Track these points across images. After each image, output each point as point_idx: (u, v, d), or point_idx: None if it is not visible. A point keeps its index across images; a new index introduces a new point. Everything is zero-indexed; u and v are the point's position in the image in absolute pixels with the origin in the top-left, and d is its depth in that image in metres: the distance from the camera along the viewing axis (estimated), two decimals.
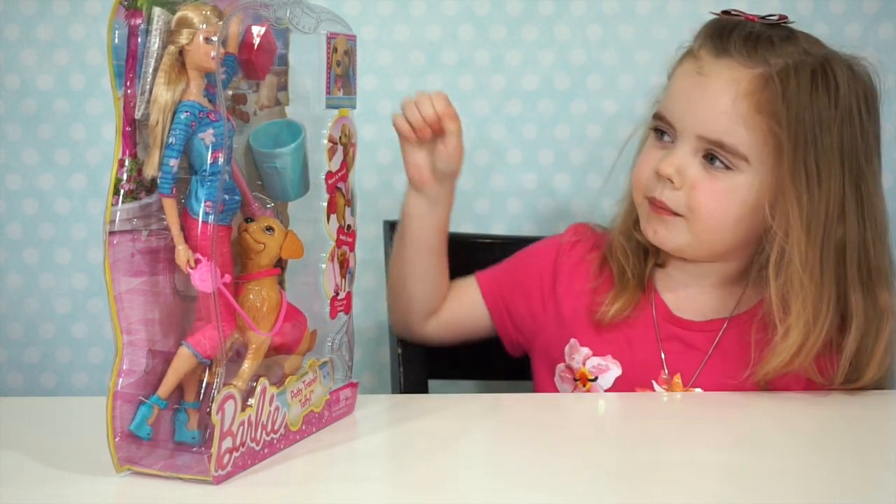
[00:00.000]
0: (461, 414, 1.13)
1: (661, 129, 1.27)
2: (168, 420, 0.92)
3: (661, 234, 1.26)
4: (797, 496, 0.91)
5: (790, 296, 1.19)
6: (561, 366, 1.32)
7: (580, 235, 1.37)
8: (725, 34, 1.24)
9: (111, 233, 0.89)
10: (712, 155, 1.22)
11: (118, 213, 0.89)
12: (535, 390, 1.37)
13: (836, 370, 1.21)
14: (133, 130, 0.90)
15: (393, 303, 1.41)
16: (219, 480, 0.89)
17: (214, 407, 0.88)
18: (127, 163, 0.90)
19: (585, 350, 1.30)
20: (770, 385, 1.23)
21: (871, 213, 1.22)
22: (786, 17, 1.27)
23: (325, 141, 1.02)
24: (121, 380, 0.90)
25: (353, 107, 1.06)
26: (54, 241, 1.62)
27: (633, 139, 1.35)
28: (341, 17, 1.05)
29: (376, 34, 1.61)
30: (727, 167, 1.22)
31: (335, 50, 1.02)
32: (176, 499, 0.87)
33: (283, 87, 1.03)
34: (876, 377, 1.23)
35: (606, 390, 1.28)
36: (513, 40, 1.62)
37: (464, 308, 1.39)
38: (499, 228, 1.64)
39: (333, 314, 1.04)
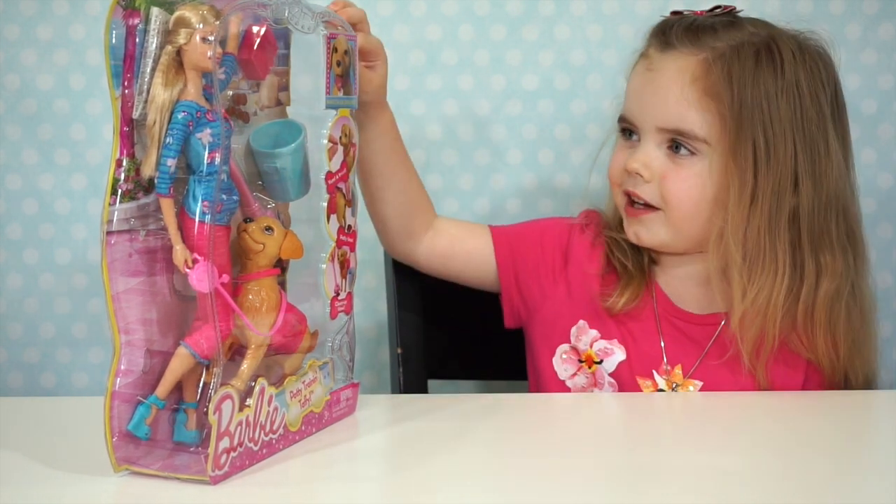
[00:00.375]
0: (461, 414, 1.13)
1: (626, 129, 1.31)
2: (167, 420, 0.92)
3: (643, 234, 1.29)
4: (797, 497, 0.91)
5: (729, 269, 1.24)
6: (564, 346, 1.33)
7: (591, 220, 1.39)
8: (668, 29, 1.28)
9: (109, 233, 0.89)
10: (676, 143, 1.26)
11: (116, 213, 0.89)
12: (528, 369, 1.37)
13: (815, 341, 1.25)
14: (131, 130, 0.90)
15: (374, 223, 1.38)
16: (216, 480, 0.89)
17: (211, 407, 0.88)
18: (125, 163, 0.90)
19: (594, 332, 1.32)
20: (769, 378, 1.25)
21: (824, 181, 1.25)
22: (732, 7, 1.30)
23: (325, 141, 1.01)
24: (118, 380, 0.90)
25: (354, 107, 1.06)
26: (54, 241, 1.62)
27: (607, 144, 1.38)
28: (341, 17, 1.05)
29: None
30: (692, 153, 1.25)
31: (335, 50, 1.02)
32: (173, 499, 0.87)
33: (285, 87, 1.03)
34: (833, 354, 1.26)
35: (610, 374, 1.29)
36: (513, 40, 1.62)
37: (469, 250, 1.38)
38: None
39: (334, 315, 1.04)
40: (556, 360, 1.33)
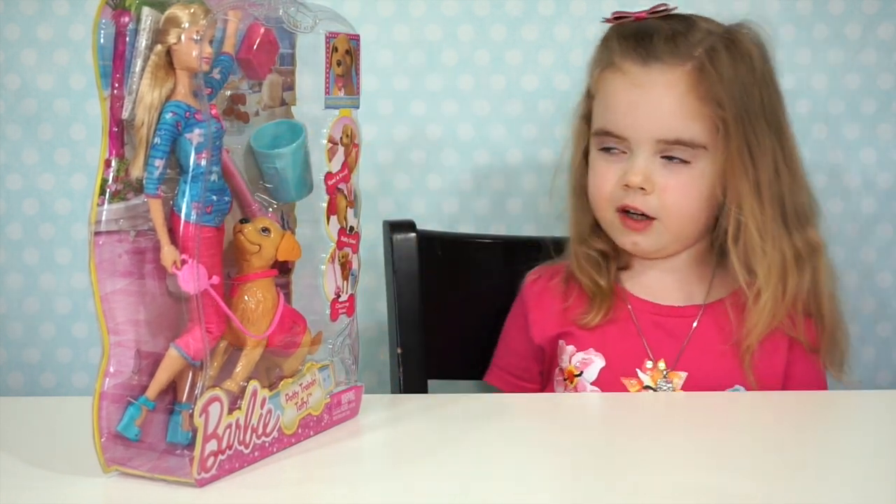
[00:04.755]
0: (461, 414, 1.13)
1: (608, 144, 1.30)
2: (160, 421, 0.91)
3: (642, 243, 1.31)
4: (798, 497, 0.91)
5: (752, 261, 1.27)
6: (556, 370, 1.35)
7: (538, 274, 1.40)
8: (645, 41, 1.29)
9: (97, 233, 0.89)
10: (671, 152, 1.27)
11: (104, 214, 0.89)
12: None
13: (799, 320, 1.29)
14: (120, 131, 0.90)
15: None
16: (202, 483, 0.89)
17: (197, 409, 0.88)
18: (113, 163, 0.89)
19: (570, 348, 1.33)
20: (753, 360, 1.27)
21: (792, 162, 1.31)
22: (667, 5, 1.32)
23: (325, 141, 1.01)
24: (107, 380, 0.90)
25: (356, 107, 1.06)
26: (54, 241, 1.62)
27: (563, 159, 1.41)
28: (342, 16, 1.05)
29: (376, 34, 1.61)
30: (684, 161, 1.27)
31: (335, 49, 1.02)
32: (161, 501, 0.87)
33: (290, 87, 1.03)
34: (832, 316, 1.31)
35: (592, 383, 1.30)
36: (513, 40, 1.62)
37: None
38: (499, 228, 1.64)
39: (334, 316, 1.03)
40: (555, 385, 1.36)
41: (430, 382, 1.48)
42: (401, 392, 1.42)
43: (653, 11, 1.32)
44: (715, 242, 1.33)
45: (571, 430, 1.10)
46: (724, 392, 1.27)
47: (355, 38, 1.05)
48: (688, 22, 1.30)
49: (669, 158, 1.27)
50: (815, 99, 1.63)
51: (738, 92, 1.27)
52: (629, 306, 1.34)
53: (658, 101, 1.27)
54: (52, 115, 1.60)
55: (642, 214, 1.29)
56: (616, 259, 1.35)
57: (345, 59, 1.03)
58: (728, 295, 1.32)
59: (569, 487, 0.92)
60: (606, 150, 1.31)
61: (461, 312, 1.47)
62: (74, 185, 1.61)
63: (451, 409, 1.14)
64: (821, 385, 1.33)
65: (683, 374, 1.29)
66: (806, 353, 1.31)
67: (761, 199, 1.27)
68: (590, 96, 1.34)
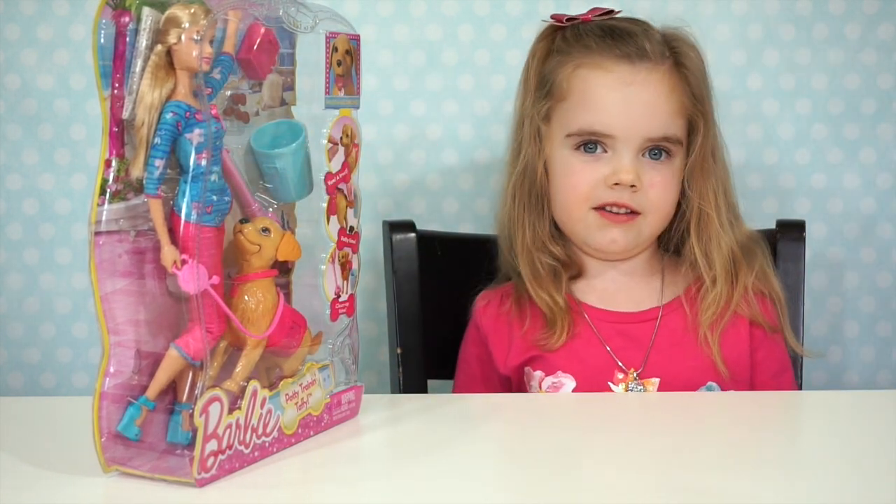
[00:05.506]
0: (461, 414, 1.13)
1: (590, 142, 1.29)
2: (160, 421, 0.91)
3: (620, 239, 1.30)
4: (799, 497, 0.91)
5: (711, 249, 1.30)
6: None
7: (486, 299, 1.38)
8: (627, 40, 1.29)
9: (97, 233, 0.89)
10: (656, 149, 1.29)
11: (104, 214, 0.89)
12: None
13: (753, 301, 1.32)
14: (120, 131, 0.90)
15: None
16: (202, 483, 0.89)
17: (197, 409, 0.88)
18: (114, 163, 0.89)
19: (538, 373, 1.32)
20: (723, 357, 1.29)
21: (726, 157, 1.36)
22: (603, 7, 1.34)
23: (325, 141, 1.01)
24: (107, 380, 0.90)
25: (356, 107, 1.06)
26: (55, 241, 1.62)
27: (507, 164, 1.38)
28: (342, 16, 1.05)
29: (376, 34, 1.61)
30: (670, 155, 1.30)
31: (335, 49, 1.02)
32: (161, 500, 0.87)
33: (290, 87, 1.03)
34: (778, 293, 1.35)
35: None
36: (513, 40, 1.62)
37: None
38: None
39: (334, 317, 1.03)
40: None
41: (430, 382, 1.48)
42: (401, 392, 1.42)
43: (603, 13, 1.33)
44: (665, 241, 1.35)
45: (571, 430, 1.10)
46: (723, 392, 1.27)
47: (355, 38, 1.05)
48: (643, 23, 1.32)
49: (653, 155, 1.29)
50: (815, 99, 1.63)
51: (705, 87, 1.32)
52: (587, 317, 1.32)
53: (650, 99, 1.28)
54: (52, 115, 1.60)
55: (628, 210, 1.29)
56: (569, 268, 1.34)
57: (345, 59, 1.03)
58: (682, 293, 1.33)
59: (569, 487, 0.92)
60: (585, 149, 1.30)
61: (461, 312, 1.46)
62: (74, 185, 1.61)
63: (451, 409, 1.14)
64: (786, 364, 1.35)
65: (656, 381, 1.29)
66: (767, 334, 1.33)
67: (719, 191, 1.32)
68: (552, 97, 1.32)
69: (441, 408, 1.14)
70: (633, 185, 1.27)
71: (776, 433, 1.09)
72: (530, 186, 1.33)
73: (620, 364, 1.30)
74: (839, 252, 1.65)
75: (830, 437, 1.08)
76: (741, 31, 1.62)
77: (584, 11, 1.35)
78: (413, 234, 1.47)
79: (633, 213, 1.29)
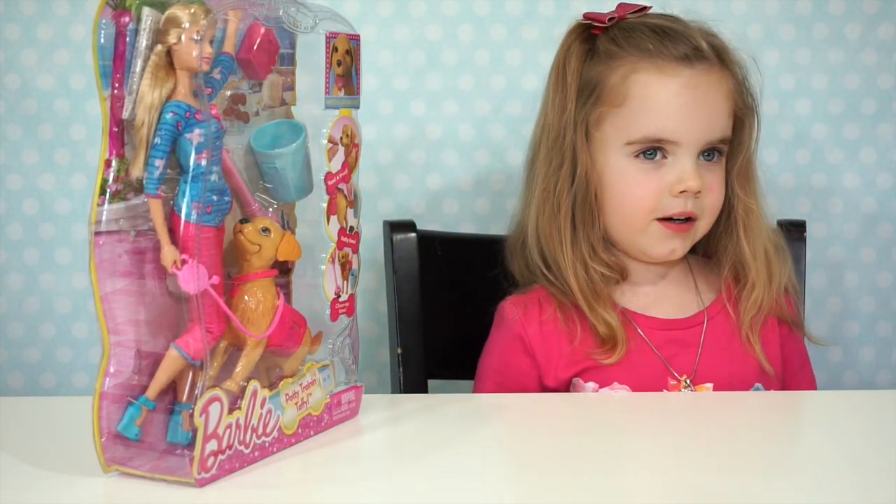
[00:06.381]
0: (461, 414, 1.13)
1: (651, 149, 1.25)
2: (160, 421, 0.91)
3: (679, 249, 1.28)
4: (801, 498, 0.91)
5: (757, 249, 1.30)
6: None
7: (521, 306, 1.30)
8: (681, 41, 1.26)
9: (97, 233, 0.89)
10: (710, 150, 1.27)
11: (104, 214, 0.89)
12: None
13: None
14: (120, 131, 0.90)
15: None
16: (202, 483, 0.89)
17: (197, 409, 0.88)
18: (114, 163, 0.89)
19: (591, 384, 1.28)
20: (763, 350, 1.28)
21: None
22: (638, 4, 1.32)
23: (325, 141, 1.01)
24: (107, 380, 0.90)
25: (356, 107, 1.06)
26: (55, 241, 1.62)
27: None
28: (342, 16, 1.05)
29: (376, 34, 1.61)
30: (721, 155, 1.29)
31: (335, 49, 1.02)
32: (161, 500, 0.87)
33: (290, 87, 1.03)
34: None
35: None
36: (513, 40, 1.62)
37: None
38: (499, 228, 1.64)
39: (334, 317, 1.03)
40: None
41: (430, 382, 1.48)
42: (401, 392, 1.42)
43: (638, 10, 1.30)
44: (699, 245, 1.33)
45: (573, 431, 1.10)
46: (722, 392, 1.27)
47: (355, 38, 1.05)
48: (681, 20, 1.29)
49: (707, 156, 1.27)
50: (815, 99, 1.63)
51: (748, 86, 1.30)
52: (636, 326, 1.29)
53: (714, 103, 1.25)
54: (52, 115, 1.60)
55: (688, 217, 1.26)
56: (609, 280, 1.29)
57: (345, 59, 1.03)
58: (720, 294, 1.32)
59: (570, 487, 0.92)
60: (645, 156, 1.25)
61: (461, 312, 1.46)
62: (74, 185, 1.61)
63: (451, 409, 1.14)
64: (805, 357, 1.36)
65: (709, 385, 1.27)
66: (790, 330, 1.33)
67: (759, 189, 1.31)
68: (602, 102, 1.26)
69: (441, 408, 1.14)
70: (698, 192, 1.25)
71: (776, 433, 1.09)
72: (584, 197, 1.27)
73: (673, 371, 1.28)
74: (839, 252, 1.65)
75: (830, 437, 1.08)
76: (741, 32, 1.62)
77: (613, 9, 1.31)
78: (413, 234, 1.47)
79: (691, 219, 1.26)
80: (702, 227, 1.28)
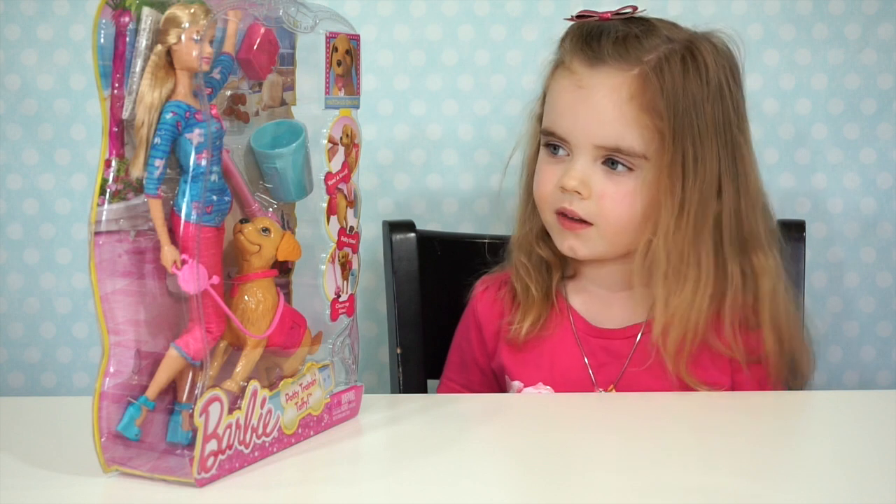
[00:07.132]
0: (461, 414, 1.13)
1: (552, 143, 1.27)
2: (160, 421, 0.92)
3: (579, 249, 1.27)
4: (800, 498, 0.91)
5: (654, 282, 1.24)
6: None
7: (486, 283, 1.37)
8: (594, 42, 1.25)
9: (97, 233, 0.89)
10: (612, 160, 1.24)
11: (104, 214, 0.89)
12: None
13: (736, 341, 1.25)
14: (120, 131, 0.90)
15: None
16: (202, 483, 0.89)
17: (197, 409, 0.88)
18: (114, 163, 0.90)
19: (517, 384, 1.31)
20: (697, 381, 1.25)
21: (745, 183, 1.26)
22: (636, 7, 1.28)
23: (325, 141, 1.01)
24: (107, 380, 0.90)
25: (356, 107, 1.06)
26: (55, 241, 1.62)
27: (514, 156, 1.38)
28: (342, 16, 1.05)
29: (376, 34, 1.61)
30: (629, 168, 1.24)
31: (335, 49, 1.02)
32: (161, 501, 0.87)
33: (290, 87, 1.03)
34: (778, 345, 1.26)
35: None
36: (513, 40, 1.62)
37: None
38: (498, 228, 1.64)
39: (334, 317, 1.03)
40: None
41: (430, 382, 1.48)
42: (401, 392, 1.42)
43: (618, 12, 1.27)
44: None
45: (572, 430, 1.10)
46: (721, 392, 1.27)
47: (355, 38, 1.05)
48: (647, 26, 1.25)
49: (612, 165, 1.24)
50: (815, 99, 1.63)
51: (684, 105, 1.21)
52: (573, 326, 1.31)
53: (601, 105, 1.23)
54: (52, 115, 1.60)
55: (580, 219, 1.25)
56: (559, 268, 1.32)
57: (345, 59, 1.03)
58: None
59: (569, 487, 0.92)
60: (553, 150, 1.27)
61: (461, 312, 1.46)
62: (74, 185, 1.61)
63: (451, 409, 1.14)
64: (763, 386, 1.28)
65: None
66: (743, 368, 1.27)
67: (682, 218, 1.22)
68: (543, 96, 1.32)
69: (441, 408, 1.14)
70: (578, 192, 1.23)
71: (776, 433, 1.09)
72: (524, 183, 1.35)
73: (595, 380, 1.29)
74: (839, 252, 1.65)
75: (830, 437, 1.08)
76: (741, 32, 1.62)
77: (604, 10, 1.30)
78: (413, 234, 1.47)
79: (584, 222, 1.25)
80: (602, 235, 1.25)
